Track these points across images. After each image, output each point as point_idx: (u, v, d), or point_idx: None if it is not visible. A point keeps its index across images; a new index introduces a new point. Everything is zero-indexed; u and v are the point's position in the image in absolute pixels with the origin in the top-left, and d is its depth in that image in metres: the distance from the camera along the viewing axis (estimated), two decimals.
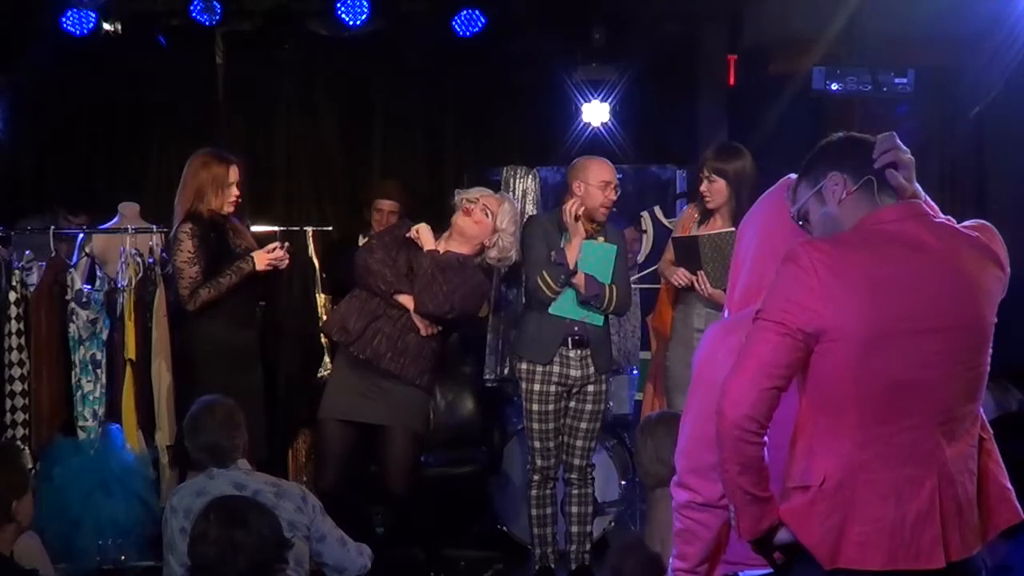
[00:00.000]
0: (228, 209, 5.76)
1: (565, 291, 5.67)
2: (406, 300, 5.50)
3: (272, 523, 3.39)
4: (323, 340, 6.32)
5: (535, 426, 5.75)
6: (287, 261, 5.88)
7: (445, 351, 5.86)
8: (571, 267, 5.62)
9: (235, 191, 5.76)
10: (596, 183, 5.67)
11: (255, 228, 6.24)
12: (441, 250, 5.59)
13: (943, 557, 2.68)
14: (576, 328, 5.71)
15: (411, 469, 5.60)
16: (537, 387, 5.72)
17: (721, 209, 5.59)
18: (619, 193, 5.80)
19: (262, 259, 5.75)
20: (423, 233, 5.62)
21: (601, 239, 5.74)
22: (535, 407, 5.74)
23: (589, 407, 5.76)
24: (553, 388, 5.72)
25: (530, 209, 6.93)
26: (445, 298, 5.45)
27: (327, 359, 6.32)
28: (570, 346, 5.70)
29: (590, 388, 5.74)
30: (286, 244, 5.94)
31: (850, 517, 2.69)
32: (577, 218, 5.68)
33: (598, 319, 5.73)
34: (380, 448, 5.55)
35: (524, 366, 5.78)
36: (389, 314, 5.51)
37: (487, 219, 5.60)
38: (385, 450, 5.53)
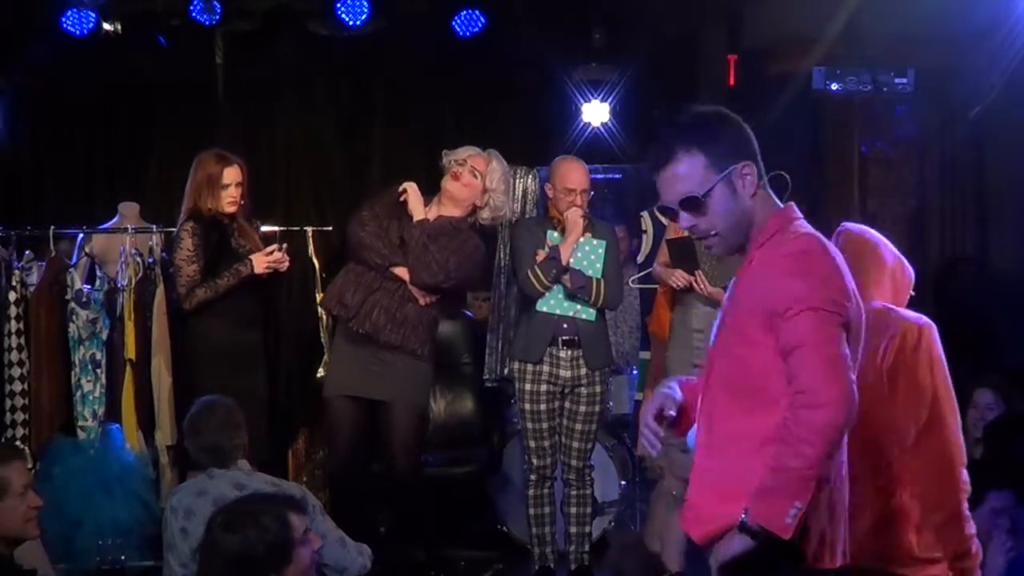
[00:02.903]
0: (227, 209, 5.76)
1: (554, 287, 5.67)
2: (402, 272, 5.51)
3: (269, 535, 3.32)
4: (323, 339, 6.32)
5: (529, 426, 5.76)
6: (287, 263, 5.87)
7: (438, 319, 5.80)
8: (564, 264, 5.62)
9: (232, 192, 5.75)
10: (560, 188, 5.71)
11: None
12: (432, 215, 5.58)
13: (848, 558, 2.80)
14: (566, 325, 5.70)
15: (415, 445, 5.62)
16: (528, 387, 5.73)
17: None
18: (590, 197, 5.79)
19: (261, 262, 5.75)
20: (412, 200, 5.60)
21: (588, 235, 5.75)
22: (527, 407, 5.74)
23: (583, 409, 5.75)
24: (544, 387, 5.71)
25: (530, 209, 6.93)
26: (439, 267, 5.46)
27: (327, 359, 6.32)
28: (560, 346, 5.70)
29: (583, 390, 5.73)
30: (284, 245, 5.94)
31: (832, 518, 2.76)
32: (559, 221, 5.70)
33: (590, 314, 5.72)
34: (384, 424, 5.56)
35: (516, 365, 5.79)
36: (386, 287, 5.52)
37: (476, 180, 5.60)
38: (389, 426, 5.54)
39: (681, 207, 2.77)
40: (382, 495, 5.76)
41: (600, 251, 5.73)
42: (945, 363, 3.64)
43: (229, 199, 5.75)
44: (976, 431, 5.20)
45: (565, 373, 5.71)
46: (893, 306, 3.65)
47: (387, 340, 5.46)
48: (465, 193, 5.59)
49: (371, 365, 5.51)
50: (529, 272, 5.66)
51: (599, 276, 5.70)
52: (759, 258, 2.79)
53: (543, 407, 5.73)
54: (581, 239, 5.72)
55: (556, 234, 5.71)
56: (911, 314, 3.66)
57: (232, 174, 5.76)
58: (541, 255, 5.66)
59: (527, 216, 6.76)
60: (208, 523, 3.34)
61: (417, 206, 5.58)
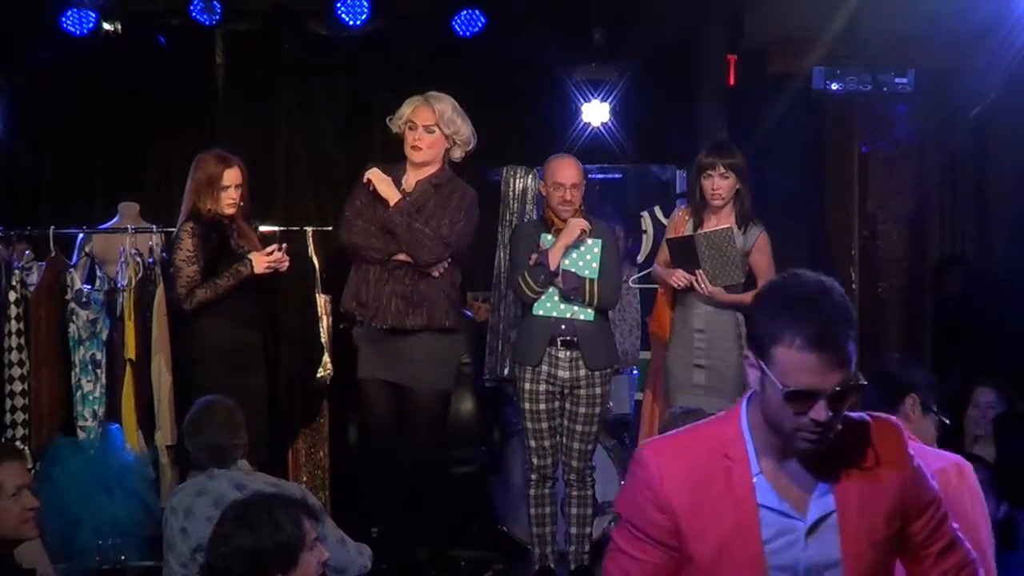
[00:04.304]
0: (226, 211, 5.75)
1: (547, 291, 5.66)
2: (404, 257, 5.53)
3: (282, 534, 3.32)
4: (323, 340, 6.32)
5: (529, 425, 5.75)
6: (287, 263, 5.87)
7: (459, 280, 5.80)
8: (553, 268, 5.60)
9: (232, 194, 5.74)
10: (551, 184, 5.71)
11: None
12: (411, 185, 5.59)
13: None
14: (564, 326, 5.68)
15: (437, 425, 5.68)
16: (528, 386, 5.72)
17: (724, 207, 5.62)
18: (581, 192, 5.74)
19: (260, 261, 5.75)
20: (380, 187, 5.58)
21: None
22: (527, 406, 5.73)
23: (582, 410, 5.74)
24: (543, 387, 5.69)
25: (530, 209, 6.94)
26: (433, 241, 5.47)
27: (327, 359, 6.32)
28: (559, 347, 5.68)
29: (582, 392, 5.71)
30: (284, 245, 5.94)
31: None
32: (553, 222, 5.69)
33: (588, 314, 5.70)
34: (408, 407, 5.63)
35: (517, 366, 5.79)
36: (395, 275, 5.56)
37: (434, 134, 5.58)
38: (413, 409, 5.62)
39: (844, 397, 2.37)
40: (407, 476, 5.79)
41: (596, 250, 5.71)
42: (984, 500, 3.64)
43: (229, 201, 5.75)
44: (977, 429, 5.22)
45: (563, 374, 5.70)
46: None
47: (412, 325, 5.51)
48: (431, 153, 5.61)
49: (395, 348, 5.57)
50: (519, 279, 5.66)
51: (595, 276, 5.67)
52: (871, 454, 2.52)
53: (543, 407, 5.72)
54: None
55: (550, 236, 5.69)
56: (944, 453, 3.67)
57: (232, 176, 5.75)
58: (533, 259, 5.65)
59: (527, 217, 6.77)
60: (222, 514, 3.35)
61: (388, 190, 5.58)
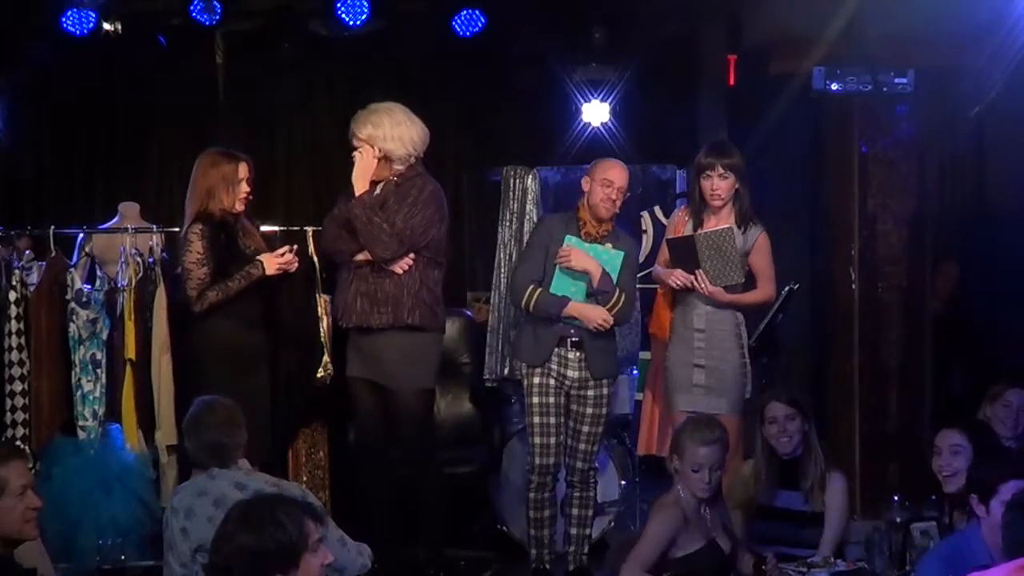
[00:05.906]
0: (239, 207, 5.78)
1: (562, 289, 5.65)
2: (363, 257, 5.58)
3: (284, 535, 3.32)
4: (323, 340, 6.33)
5: (535, 420, 5.71)
6: (296, 265, 5.88)
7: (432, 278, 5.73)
8: (562, 316, 5.61)
9: (245, 188, 5.78)
10: (598, 179, 5.69)
11: None
12: (378, 188, 5.60)
13: None
14: (572, 331, 5.68)
15: (421, 422, 5.68)
16: (537, 380, 5.70)
17: (724, 207, 5.62)
18: (625, 196, 5.76)
19: (272, 263, 5.75)
20: (356, 168, 5.59)
21: (609, 245, 5.71)
22: (536, 399, 5.70)
23: (590, 411, 5.73)
24: (552, 381, 5.68)
25: (530, 209, 6.93)
26: (389, 236, 5.49)
27: (327, 359, 6.32)
28: (568, 347, 5.68)
29: (590, 392, 5.71)
30: (295, 247, 5.95)
31: None
32: (585, 222, 5.68)
33: None
34: (390, 406, 5.66)
35: (525, 366, 5.78)
36: (359, 273, 5.61)
37: (365, 156, 5.56)
38: (394, 407, 5.64)
39: None
40: (397, 478, 5.81)
41: (617, 262, 5.69)
42: None
43: (243, 195, 5.78)
44: (1004, 429, 5.23)
45: (573, 373, 5.69)
46: None
47: (378, 324, 5.54)
48: (374, 168, 5.59)
49: (369, 347, 5.61)
50: (529, 292, 5.63)
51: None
52: None
53: (551, 399, 5.69)
54: (599, 247, 5.68)
55: (574, 239, 5.66)
56: None
57: (244, 170, 5.79)
58: (564, 252, 5.59)
59: (527, 217, 6.76)
60: (227, 513, 3.35)
61: (359, 177, 5.60)
